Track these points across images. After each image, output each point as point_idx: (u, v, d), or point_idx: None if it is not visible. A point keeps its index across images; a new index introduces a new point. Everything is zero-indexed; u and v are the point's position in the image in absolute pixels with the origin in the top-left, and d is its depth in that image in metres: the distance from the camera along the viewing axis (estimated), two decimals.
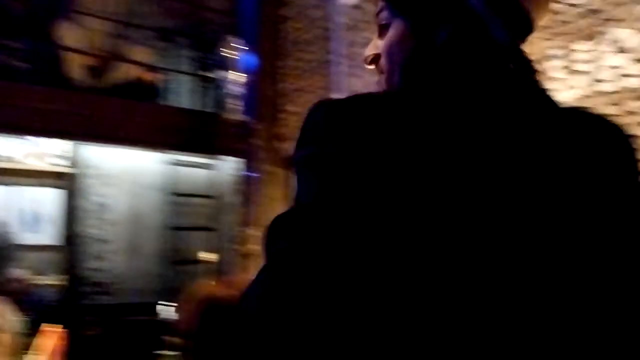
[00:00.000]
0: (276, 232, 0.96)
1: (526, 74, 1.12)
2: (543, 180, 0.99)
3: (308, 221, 0.92)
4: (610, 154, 1.09)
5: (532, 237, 0.96)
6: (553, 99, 1.13)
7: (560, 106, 1.13)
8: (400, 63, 1.13)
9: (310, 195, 0.95)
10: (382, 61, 1.18)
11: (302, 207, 0.96)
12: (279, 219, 0.97)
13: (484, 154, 0.97)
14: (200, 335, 1.73)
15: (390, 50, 1.16)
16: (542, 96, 1.12)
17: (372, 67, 1.22)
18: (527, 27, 1.16)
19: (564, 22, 5.23)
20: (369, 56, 1.23)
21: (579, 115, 1.15)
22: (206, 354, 1.93)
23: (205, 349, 1.94)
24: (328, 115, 1.00)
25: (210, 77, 8.94)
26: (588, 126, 1.12)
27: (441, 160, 0.94)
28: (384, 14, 1.18)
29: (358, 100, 1.01)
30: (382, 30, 1.19)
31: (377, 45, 1.21)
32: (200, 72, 8.90)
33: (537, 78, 1.12)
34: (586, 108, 1.18)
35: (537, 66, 1.14)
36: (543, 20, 1.22)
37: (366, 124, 0.95)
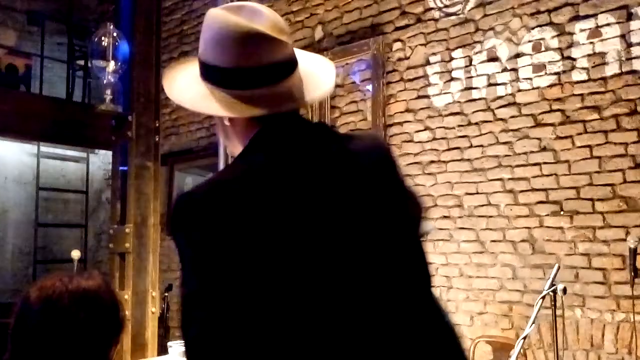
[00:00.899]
0: (187, 308, 1.32)
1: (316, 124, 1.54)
2: (351, 212, 1.39)
3: (206, 292, 1.29)
4: (383, 165, 1.52)
5: (349, 247, 1.37)
6: (338, 134, 1.57)
7: (344, 135, 1.59)
8: (237, 138, 1.50)
9: (196, 270, 1.32)
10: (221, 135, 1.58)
11: (200, 282, 1.31)
12: (187, 298, 1.32)
13: (302, 211, 1.34)
14: (13, 336, 1.81)
15: (224, 130, 1.52)
16: (333, 137, 1.52)
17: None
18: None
19: (443, 30, 5.30)
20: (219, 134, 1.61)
21: (357, 139, 1.58)
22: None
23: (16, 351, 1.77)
24: (189, 206, 1.35)
25: (83, 66, 8.56)
26: (365, 146, 1.53)
27: (273, 225, 1.30)
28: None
29: (208, 191, 1.36)
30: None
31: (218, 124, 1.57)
32: (73, 60, 8.52)
33: (327, 123, 1.59)
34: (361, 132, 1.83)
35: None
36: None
37: (217, 209, 1.30)
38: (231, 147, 1.55)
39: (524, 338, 3.39)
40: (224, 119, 1.50)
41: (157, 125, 5.51)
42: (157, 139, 5.46)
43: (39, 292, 1.79)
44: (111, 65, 5.15)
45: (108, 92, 5.10)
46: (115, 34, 5.24)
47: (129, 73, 5.33)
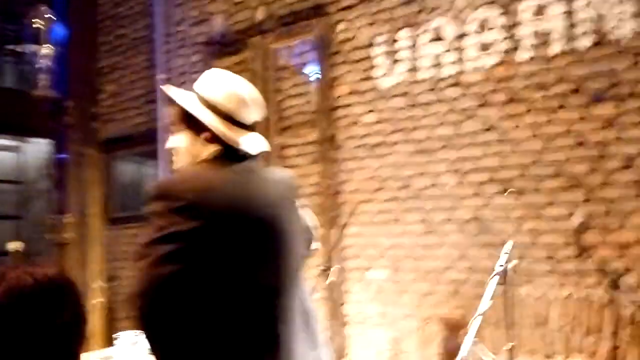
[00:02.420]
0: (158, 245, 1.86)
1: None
2: (280, 216, 2.07)
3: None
4: (292, 190, 2.21)
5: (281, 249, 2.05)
6: (262, 166, 2.20)
7: (265, 168, 2.21)
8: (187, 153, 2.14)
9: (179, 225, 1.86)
10: (176, 150, 2.17)
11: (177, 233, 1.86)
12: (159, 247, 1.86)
13: (249, 196, 2.01)
14: None
15: (182, 145, 2.15)
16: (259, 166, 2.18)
17: (172, 152, 2.20)
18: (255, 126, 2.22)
19: (387, 10, 5.25)
20: (170, 148, 2.20)
21: (274, 171, 2.26)
22: None
23: None
24: (169, 184, 2.02)
25: (17, 51, 8.34)
26: (280, 175, 2.24)
27: (234, 205, 1.96)
28: (177, 126, 2.16)
29: (185, 176, 2.06)
30: (176, 131, 2.18)
31: (174, 140, 2.17)
32: (6, 45, 8.31)
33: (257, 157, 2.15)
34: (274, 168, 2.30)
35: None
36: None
37: (193, 187, 1.92)
38: (183, 161, 2.15)
39: (481, 315, 3.40)
40: (196, 141, 2.11)
41: (96, 110, 5.40)
42: (95, 125, 5.34)
43: (6, 285, 1.57)
44: (45, 49, 5.01)
45: (43, 77, 4.96)
46: (49, 16, 5.10)
47: (65, 57, 5.20)
